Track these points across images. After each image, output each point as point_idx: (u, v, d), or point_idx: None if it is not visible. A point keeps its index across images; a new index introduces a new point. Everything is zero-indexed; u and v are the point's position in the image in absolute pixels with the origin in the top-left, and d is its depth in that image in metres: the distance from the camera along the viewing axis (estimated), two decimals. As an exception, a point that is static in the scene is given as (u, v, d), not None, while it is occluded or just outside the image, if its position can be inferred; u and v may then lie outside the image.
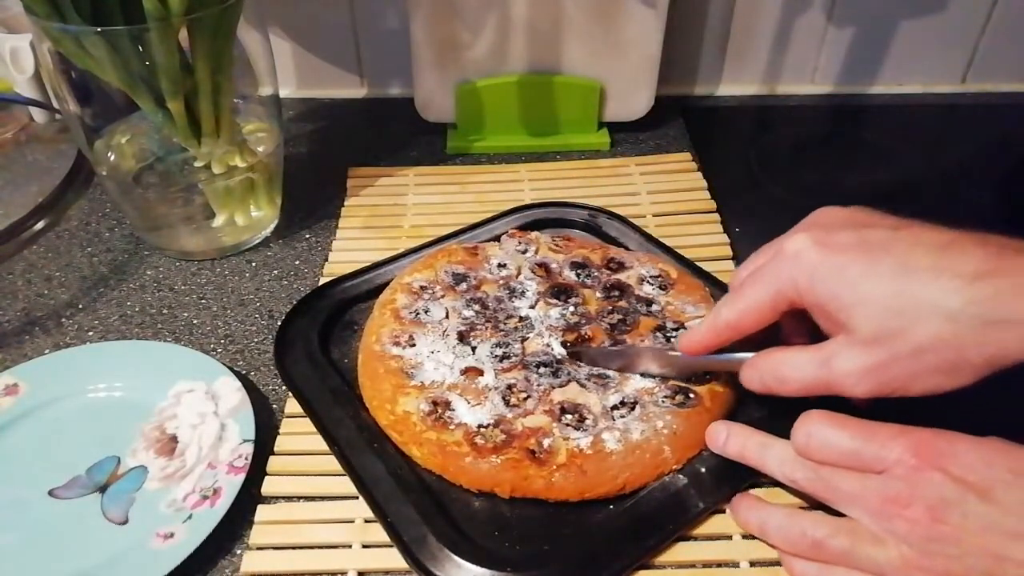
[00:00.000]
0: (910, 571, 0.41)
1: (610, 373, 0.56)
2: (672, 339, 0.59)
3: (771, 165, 0.89)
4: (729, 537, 0.50)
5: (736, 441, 0.51)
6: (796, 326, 0.50)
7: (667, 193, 0.80)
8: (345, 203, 0.80)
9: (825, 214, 0.49)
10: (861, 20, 0.95)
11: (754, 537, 0.49)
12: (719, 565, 0.49)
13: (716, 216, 0.77)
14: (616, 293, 0.64)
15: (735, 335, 0.50)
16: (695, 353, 0.53)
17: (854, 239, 0.44)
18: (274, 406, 0.60)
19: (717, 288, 0.66)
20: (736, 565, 0.49)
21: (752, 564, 0.48)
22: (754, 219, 0.76)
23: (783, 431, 0.47)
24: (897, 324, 0.41)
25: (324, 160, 0.88)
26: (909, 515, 0.41)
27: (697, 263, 0.69)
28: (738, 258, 0.72)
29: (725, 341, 0.51)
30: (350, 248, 0.74)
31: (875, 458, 0.43)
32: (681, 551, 0.49)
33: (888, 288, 0.42)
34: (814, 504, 0.48)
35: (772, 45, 0.97)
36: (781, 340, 0.51)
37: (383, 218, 0.78)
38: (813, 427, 0.45)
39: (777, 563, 0.48)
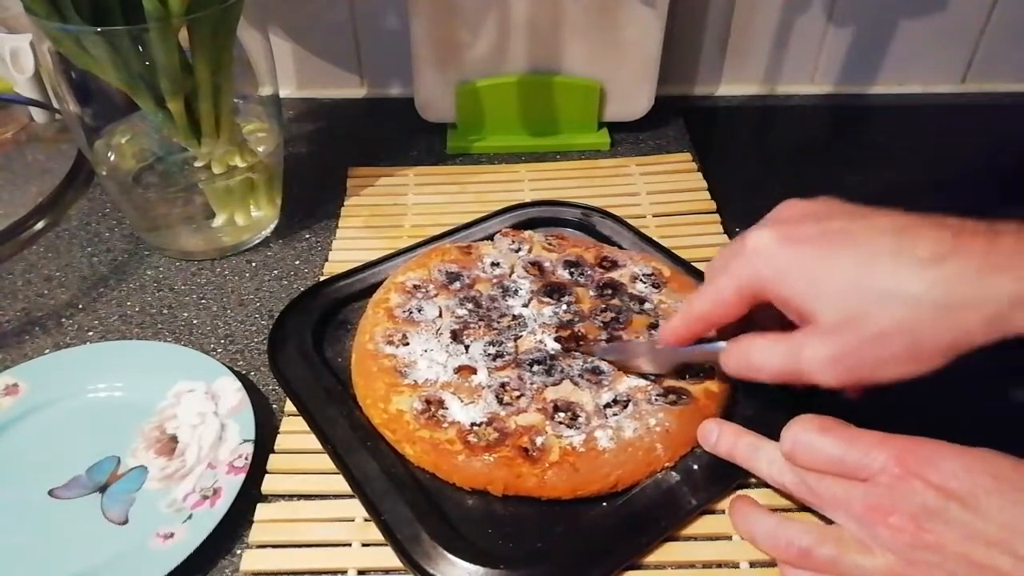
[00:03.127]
0: None
1: (604, 369, 0.57)
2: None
3: (771, 165, 0.89)
4: (729, 537, 0.50)
5: (726, 441, 0.51)
6: (770, 314, 0.49)
7: (667, 193, 0.80)
8: (345, 203, 0.80)
9: (788, 208, 0.49)
10: (861, 20, 0.94)
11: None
12: (719, 566, 0.49)
13: (716, 216, 0.77)
14: (609, 291, 0.64)
15: (708, 326, 0.51)
16: (673, 344, 0.53)
17: (815, 231, 0.45)
18: (274, 406, 0.60)
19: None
20: (736, 566, 0.49)
21: (752, 565, 0.48)
22: (754, 219, 0.74)
23: (775, 430, 0.48)
24: (859, 311, 0.42)
25: (324, 160, 0.88)
26: (893, 523, 0.41)
27: (697, 263, 0.69)
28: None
29: (699, 332, 0.51)
30: (350, 248, 0.74)
31: (859, 465, 0.43)
32: (681, 551, 0.49)
33: (849, 277, 0.42)
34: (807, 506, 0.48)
35: (772, 45, 0.97)
36: (756, 327, 0.50)
37: (383, 218, 0.78)
38: (799, 433, 0.45)
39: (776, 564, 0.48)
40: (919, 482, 0.41)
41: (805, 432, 0.45)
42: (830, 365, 0.43)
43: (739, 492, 0.51)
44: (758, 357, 0.47)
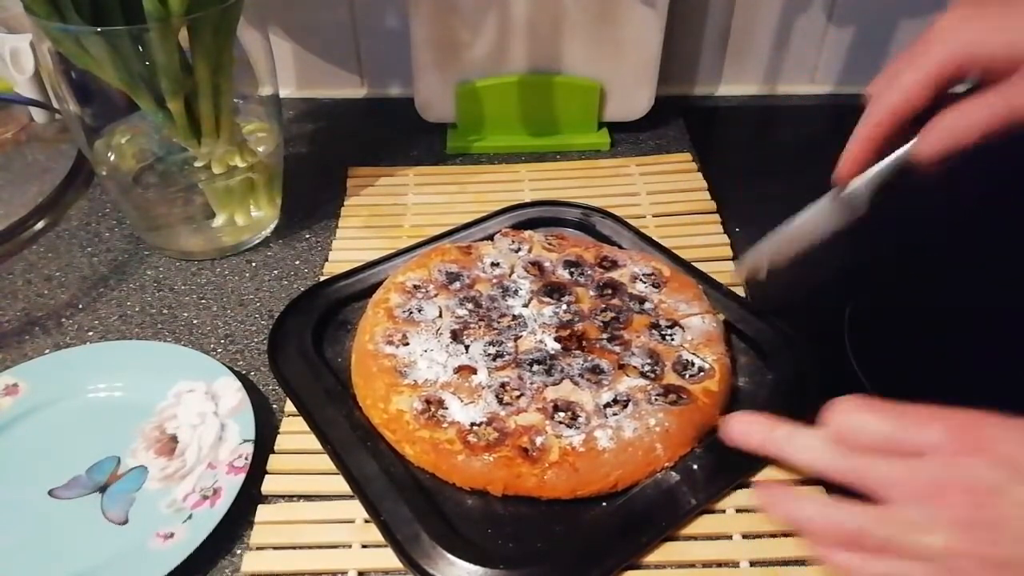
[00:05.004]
0: (955, 557, 0.39)
1: (605, 368, 0.57)
2: (666, 336, 0.60)
3: (771, 165, 0.89)
4: (729, 537, 0.50)
5: (758, 432, 0.49)
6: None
7: (667, 193, 0.80)
8: (345, 203, 0.80)
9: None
10: (861, 20, 0.94)
11: (754, 537, 0.49)
12: (719, 565, 0.49)
13: (716, 216, 0.77)
14: (609, 291, 0.64)
15: (899, 123, 0.49)
16: (863, 160, 0.53)
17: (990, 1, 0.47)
18: (274, 406, 0.60)
19: (710, 286, 0.66)
20: (736, 565, 0.49)
21: (752, 564, 0.48)
22: (754, 219, 0.76)
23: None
24: None
25: (324, 160, 0.88)
26: (951, 500, 0.39)
27: (697, 263, 0.69)
28: (738, 258, 0.71)
29: (888, 134, 0.51)
30: (350, 248, 0.74)
31: (912, 442, 0.41)
32: (681, 551, 0.49)
33: None
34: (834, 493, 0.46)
35: (772, 45, 0.97)
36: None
37: (383, 218, 0.78)
38: (846, 412, 0.44)
39: (777, 563, 0.48)
40: (977, 456, 0.40)
41: (854, 411, 0.44)
42: None
43: (758, 480, 0.51)
44: (970, 116, 0.46)
